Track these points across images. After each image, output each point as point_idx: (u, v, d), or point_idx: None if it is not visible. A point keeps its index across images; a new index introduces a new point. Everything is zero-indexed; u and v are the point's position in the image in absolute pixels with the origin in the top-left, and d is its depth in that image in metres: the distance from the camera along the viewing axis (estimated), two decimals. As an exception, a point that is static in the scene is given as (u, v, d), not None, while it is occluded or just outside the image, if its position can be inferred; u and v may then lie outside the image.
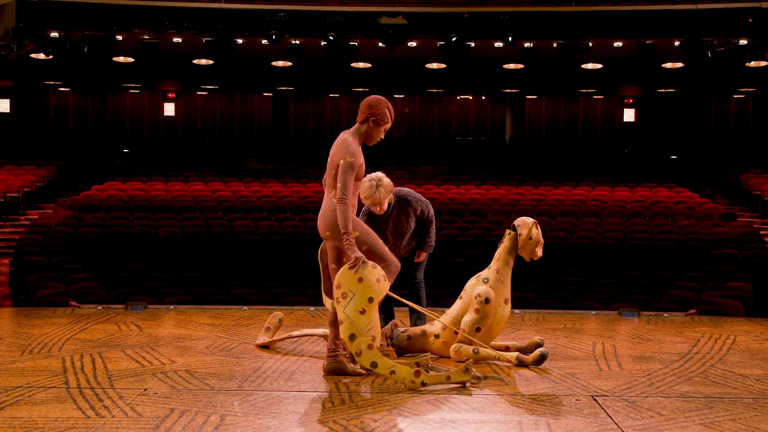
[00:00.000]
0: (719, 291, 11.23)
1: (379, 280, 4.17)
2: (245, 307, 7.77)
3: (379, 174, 5.10)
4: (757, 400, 3.90)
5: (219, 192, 16.04)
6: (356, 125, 4.51)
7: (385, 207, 5.16)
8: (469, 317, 4.74)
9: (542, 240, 4.99)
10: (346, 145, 4.36)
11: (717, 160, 19.57)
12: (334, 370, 4.35)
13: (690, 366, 4.77)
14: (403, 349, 5.03)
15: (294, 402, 3.75)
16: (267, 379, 4.26)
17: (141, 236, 13.21)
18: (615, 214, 14.78)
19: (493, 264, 4.97)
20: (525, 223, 4.95)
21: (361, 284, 4.12)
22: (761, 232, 14.38)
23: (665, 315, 7.63)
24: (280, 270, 11.90)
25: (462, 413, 3.58)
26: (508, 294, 4.89)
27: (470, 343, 4.70)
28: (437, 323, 4.98)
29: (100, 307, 7.65)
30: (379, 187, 5.02)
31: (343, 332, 4.12)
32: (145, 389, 3.96)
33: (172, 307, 7.91)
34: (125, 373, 4.38)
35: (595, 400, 3.85)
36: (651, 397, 3.92)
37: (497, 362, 4.77)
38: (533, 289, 11.22)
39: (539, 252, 4.98)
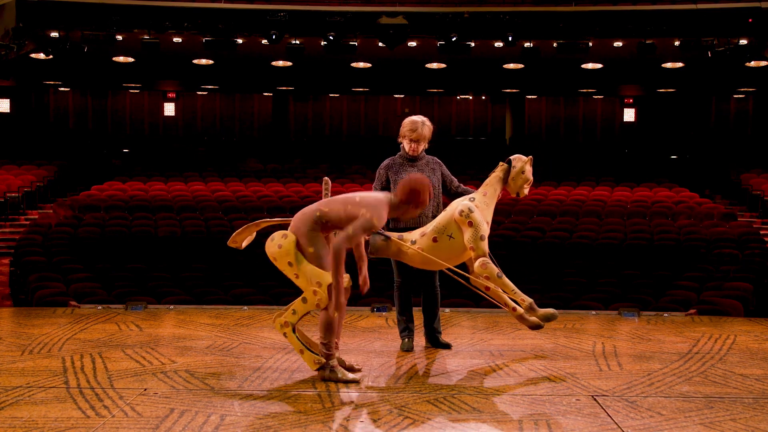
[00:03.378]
0: (719, 291, 11.23)
1: (280, 245, 4.24)
2: (245, 307, 7.78)
3: (428, 120, 5.27)
4: (757, 400, 3.90)
5: (219, 192, 16.05)
6: (391, 197, 4.35)
7: (419, 150, 5.20)
8: (467, 234, 4.78)
9: (531, 179, 5.09)
10: (378, 207, 4.23)
11: (717, 160, 19.57)
12: (326, 378, 4.24)
13: (690, 366, 4.77)
14: (378, 249, 4.91)
15: (294, 402, 3.75)
16: (267, 379, 4.26)
17: (141, 236, 13.21)
18: (615, 214, 14.78)
19: (482, 187, 5.06)
20: (520, 158, 5.07)
21: (281, 250, 4.22)
22: (761, 232, 14.38)
23: (665, 315, 7.63)
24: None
25: (462, 413, 3.59)
26: (489, 218, 4.96)
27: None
28: (415, 231, 4.95)
29: (100, 307, 7.65)
30: (425, 125, 5.19)
31: (305, 285, 4.20)
32: (145, 389, 3.96)
33: (172, 307, 7.92)
34: (125, 373, 4.38)
35: (595, 400, 3.85)
36: (651, 397, 3.92)
37: (504, 306, 4.91)
38: (533, 289, 11.20)
39: (526, 190, 5.09)
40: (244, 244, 4.93)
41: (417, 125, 5.18)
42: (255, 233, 4.85)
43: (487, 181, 5.07)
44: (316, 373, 4.33)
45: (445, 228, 4.85)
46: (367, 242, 4.85)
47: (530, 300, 4.84)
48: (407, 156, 5.25)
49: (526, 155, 5.15)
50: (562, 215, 14.65)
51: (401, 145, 5.27)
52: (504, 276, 4.79)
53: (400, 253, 4.94)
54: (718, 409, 3.69)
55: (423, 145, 5.22)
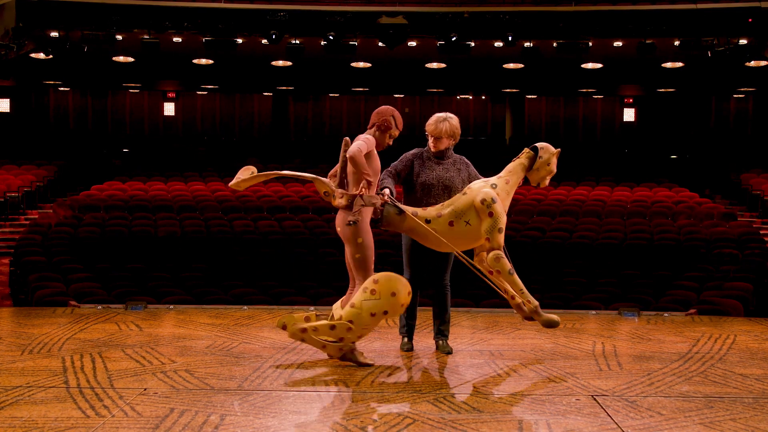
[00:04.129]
0: (719, 291, 11.23)
1: (402, 305, 4.50)
2: (245, 307, 7.77)
3: (454, 117, 5.22)
4: (757, 400, 3.90)
5: (219, 192, 16.04)
6: (367, 131, 4.83)
7: (441, 147, 5.10)
8: (486, 224, 4.72)
9: (555, 171, 5.03)
10: (361, 139, 4.66)
11: (717, 160, 19.57)
12: (345, 358, 4.56)
13: (690, 366, 4.77)
14: (391, 222, 4.76)
15: (294, 402, 3.75)
16: (267, 379, 4.26)
17: (141, 236, 13.20)
18: (615, 213, 14.78)
19: (504, 173, 4.95)
20: (548, 148, 4.98)
21: (391, 298, 4.42)
22: (761, 232, 14.38)
23: (665, 315, 7.63)
24: (280, 270, 11.90)
25: (462, 413, 3.58)
26: (507, 206, 4.90)
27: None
28: (431, 209, 4.83)
29: (100, 307, 7.65)
30: (446, 121, 5.13)
31: (346, 314, 4.46)
32: (145, 389, 3.96)
33: (172, 307, 7.92)
34: (125, 372, 4.38)
35: (595, 399, 3.85)
36: (651, 397, 3.92)
37: (503, 293, 4.90)
38: (533, 289, 11.17)
39: (547, 181, 5.04)
40: (244, 186, 4.88)
41: (436, 121, 5.11)
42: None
43: (511, 167, 4.96)
44: (316, 373, 4.33)
45: (463, 213, 4.77)
46: (381, 213, 4.74)
47: (536, 303, 4.81)
48: (433, 152, 5.16)
49: None
50: (562, 215, 14.65)
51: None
52: (515, 274, 4.75)
53: (413, 230, 4.83)
54: (718, 409, 3.69)
55: (445, 142, 5.09)
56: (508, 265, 4.73)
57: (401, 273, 5.34)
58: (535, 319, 4.88)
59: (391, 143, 4.83)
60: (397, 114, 4.84)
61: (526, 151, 4.98)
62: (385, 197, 4.74)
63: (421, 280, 5.24)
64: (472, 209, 4.77)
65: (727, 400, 3.89)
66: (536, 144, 5.01)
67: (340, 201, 4.62)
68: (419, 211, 4.86)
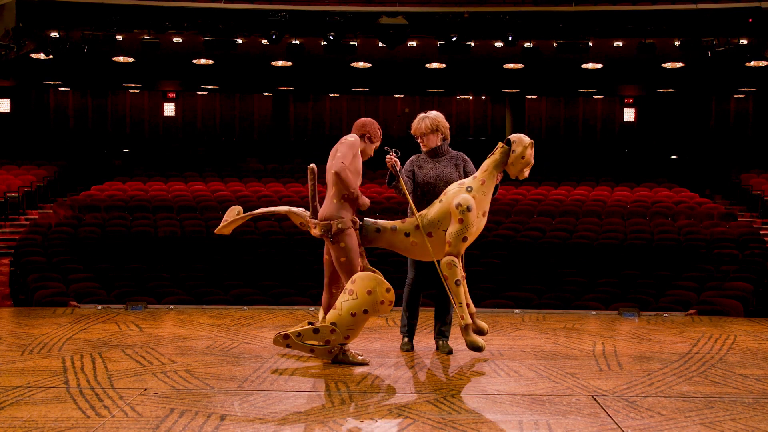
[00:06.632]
0: (719, 291, 11.23)
1: (383, 302, 4.49)
2: (245, 307, 7.78)
3: (435, 112, 5.27)
4: (757, 400, 3.90)
5: (219, 192, 16.04)
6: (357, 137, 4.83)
7: (431, 144, 5.17)
8: (453, 228, 4.71)
9: (533, 162, 4.88)
10: (343, 138, 4.71)
11: (717, 160, 19.57)
12: (337, 360, 4.63)
13: (690, 366, 4.77)
14: (370, 240, 4.87)
15: (294, 402, 3.75)
16: (267, 379, 4.26)
17: (141, 236, 13.21)
18: (615, 214, 14.78)
19: (479, 174, 4.89)
20: (521, 141, 4.82)
21: (368, 296, 4.46)
22: (761, 232, 14.38)
23: (665, 315, 7.64)
24: (280, 270, 11.90)
25: (462, 413, 3.59)
26: (487, 207, 4.86)
27: (457, 256, 4.75)
28: (409, 221, 4.89)
29: (100, 307, 7.65)
30: (426, 118, 5.18)
31: (329, 317, 4.55)
32: (145, 389, 3.96)
33: (172, 307, 7.92)
34: (125, 373, 4.38)
35: (595, 400, 3.85)
36: (651, 397, 3.92)
37: (453, 302, 4.82)
38: (533, 289, 11.21)
39: (527, 173, 4.89)
40: (230, 229, 4.99)
41: (417, 121, 5.19)
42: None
43: (485, 166, 4.87)
44: (316, 373, 4.34)
45: (440, 222, 4.78)
46: (360, 232, 4.82)
47: (469, 322, 4.79)
48: (426, 152, 5.22)
49: None
50: (562, 215, 14.65)
51: None
52: (461, 287, 4.75)
53: (393, 244, 4.89)
54: (718, 409, 3.69)
55: (433, 138, 5.16)
56: (458, 275, 4.71)
57: (404, 274, 5.36)
58: (463, 337, 4.86)
59: (372, 155, 4.88)
60: (378, 125, 4.89)
61: (500, 146, 4.86)
62: (392, 157, 4.88)
63: (424, 280, 5.26)
64: (449, 216, 4.77)
65: (727, 400, 3.89)
66: (510, 136, 4.88)
67: (315, 231, 4.71)
68: (398, 224, 4.91)
